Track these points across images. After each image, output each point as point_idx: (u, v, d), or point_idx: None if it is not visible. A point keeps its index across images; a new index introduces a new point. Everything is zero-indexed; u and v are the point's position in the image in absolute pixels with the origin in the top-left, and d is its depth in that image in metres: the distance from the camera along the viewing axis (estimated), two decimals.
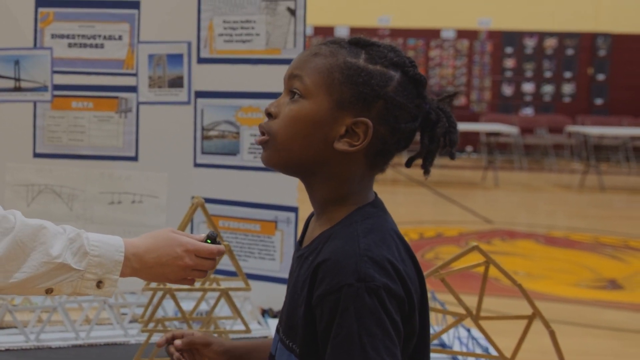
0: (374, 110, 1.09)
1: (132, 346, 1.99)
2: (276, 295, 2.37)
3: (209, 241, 1.33)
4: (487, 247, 6.45)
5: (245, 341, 1.47)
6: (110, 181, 2.33)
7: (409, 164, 1.19)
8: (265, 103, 2.26)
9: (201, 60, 2.32)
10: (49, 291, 1.23)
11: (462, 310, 1.61)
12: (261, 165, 2.28)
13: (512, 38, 13.48)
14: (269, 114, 1.15)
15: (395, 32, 13.27)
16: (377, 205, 1.14)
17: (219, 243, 1.34)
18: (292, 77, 1.14)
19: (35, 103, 2.31)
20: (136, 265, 1.28)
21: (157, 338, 1.89)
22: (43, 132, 2.32)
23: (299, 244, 1.20)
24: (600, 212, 8.83)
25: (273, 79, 2.27)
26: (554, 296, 5.22)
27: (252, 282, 1.91)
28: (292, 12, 2.25)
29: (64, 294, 1.26)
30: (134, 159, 2.34)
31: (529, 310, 1.60)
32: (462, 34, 13.45)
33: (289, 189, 2.30)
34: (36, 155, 2.33)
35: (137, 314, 2.13)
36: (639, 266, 6.25)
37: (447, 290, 1.59)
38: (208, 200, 2.31)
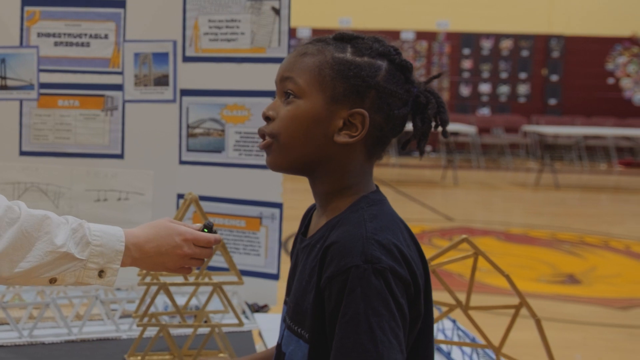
0: (367, 100, 1.13)
1: (124, 341, 2.02)
2: (261, 291, 2.42)
3: (205, 230, 1.36)
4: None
5: (250, 355, 1.49)
6: (96, 179, 2.35)
7: (404, 147, 1.22)
8: (251, 101, 2.34)
9: (186, 59, 2.35)
10: (52, 281, 1.25)
11: (450, 302, 1.67)
12: (246, 162, 2.37)
13: (470, 39, 13.70)
14: (267, 118, 1.18)
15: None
16: (380, 193, 1.19)
17: (215, 232, 1.37)
18: (284, 80, 1.17)
19: (21, 101, 2.32)
20: (136, 255, 1.30)
21: (151, 332, 1.93)
22: (29, 130, 2.32)
23: (302, 235, 1.24)
24: (556, 210, 9.04)
25: (258, 77, 2.32)
26: (495, 288, 5.34)
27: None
28: (277, 11, 2.30)
29: (67, 284, 1.27)
30: (120, 156, 2.36)
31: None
32: (421, 35, 13.64)
33: (274, 186, 2.35)
34: (22, 153, 2.34)
35: (127, 309, 2.15)
36: (595, 261, 6.41)
37: (438, 281, 1.65)
38: None
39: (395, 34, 13.61)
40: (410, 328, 1.10)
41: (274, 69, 2.28)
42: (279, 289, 2.41)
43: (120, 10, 2.31)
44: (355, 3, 13.05)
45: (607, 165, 13.10)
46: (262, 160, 2.35)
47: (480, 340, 1.74)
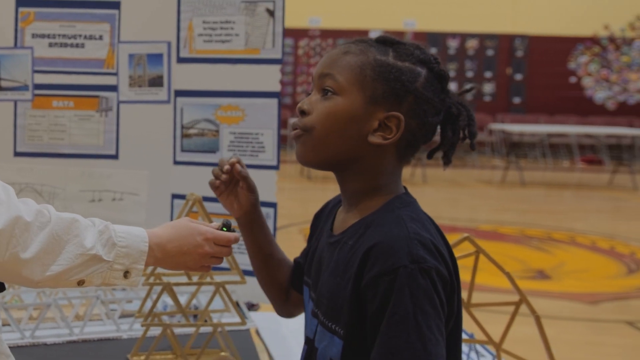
0: (405, 104, 1.15)
1: (124, 341, 2.03)
2: (255, 289, 2.44)
3: (224, 229, 1.37)
4: None
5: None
6: (90, 179, 2.35)
7: (430, 156, 1.25)
8: (245, 102, 2.37)
9: (181, 60, 2.37)
10: (80, 283, 1.25)
11: None
12: None
13: (436, 39, 13.86)
14: (302, 112, 1.19)
15: (325, 33, 13.49)
16: (410, 195, 1.21)
17: (233, 231, 1.38)
18: (324, 76, 1.18)
19: (15, 102, 2.31)
20: (159, 255, 1.31)
21: (155, 331, 1.95)
22: (24, 131, 2.32)
23: (330, 230, 1.25)
24: (523, 206, 9.20)
25: (252, 78, 2.35)
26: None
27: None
28: (271, 13, 2.32)
29: (94, 285, 1.29)
30: (115, 157, 2.37)
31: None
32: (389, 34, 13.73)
33: (268, 185, 2.37)
34: (17, 154, 2.33)
35: (126, 309, 2.16)
36: (563, 257, 6.55)
37: None
38: None
39: (363, 33, 13.42)
40: (445, 325, 1.11)
41: (268, 70, 2.35)
42: None
43: (115, 12, 2.32)
44: (325, 3, 13.12)
45: (569, 163, 13.35)
46: (257, 160, 2.37)
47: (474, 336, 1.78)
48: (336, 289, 1.15)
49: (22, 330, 1.95)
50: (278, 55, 2.33)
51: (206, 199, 2.40)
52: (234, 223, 1.43)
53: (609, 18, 13.79)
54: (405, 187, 1.24)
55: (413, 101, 1.15)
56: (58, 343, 1.97)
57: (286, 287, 1.42)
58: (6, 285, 1.39)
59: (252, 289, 2.41)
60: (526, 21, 13.75)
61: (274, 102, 2.34)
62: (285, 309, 1.45)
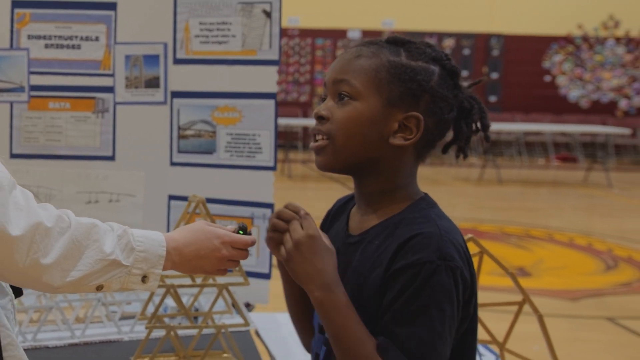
0: (422, 104, 1.16)
1: (126, 343, 2.03)
2: (252, 290, 2.45)
3: (240, 232, 1.36)
4: None
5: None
6: (87, 181, 2.34)
7: (445, 150, 1.25)
8: (242, 103, 2.38)
9: (177, 61, 2.37)
10: (99, 288, 1.24)
11: None
12: (237, 163, 2.39)
13: (414, 38, 13.90)
14: (320, 117, 1.19)
15: (304, 32, 13.51)
16: (430, 197, 1.22)
17: (250, 233, 1.38)
18: (338, 81, 1.18)
19: (11, 104, 2.30)
20: (176, 259, 1.30)
21: (159, 333, 1.95)
22: (20, 132, 2.30)
23: (346, 231, 1.24)
24: (500, 204, 9.28)
25: (249, 79, 2.36)
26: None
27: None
28: (268, 14, 2.33)
29: (113, 290, 1.28)
30: (111, 158, 2.36)
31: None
32: (367, 34, 13.81)
33: (265, 186, 2.38)
34: (13, 155, 2.32)
35: (126, 311, 2.16)
36: (542, 254, 6.62)
37: None
38: (185, 199, 2.37)
39: (342, 33, 13.75)
40: (458, 327, 1.12)
41: (265, 71, 2.36)
42: (271, 288, 2.45)
43: (111, 13, 2.31)
44: (303, 2, 13.11)
45: (545, 160, 13.50)
46: (254, 161, 2.38)
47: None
48: (359, 288, 1.15)
49: (24, 334, 1.94)
50: (275, 57, 2.34)
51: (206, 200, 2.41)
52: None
53: (582, 18, 13.96)
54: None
55: (429, 100, 1.16)
56: (60, 346, 1.96)
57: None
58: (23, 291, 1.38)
59: (251, 289, 2.42)
60: (502, 21, 13.88)
61: (270, 103, 2.35)
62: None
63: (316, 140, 1.20)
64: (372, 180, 1.20)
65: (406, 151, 1.18)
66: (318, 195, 9.52)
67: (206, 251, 1.32)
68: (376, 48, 1.18)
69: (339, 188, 9.91)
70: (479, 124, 1.22)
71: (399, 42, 1.19)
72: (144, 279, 1.27)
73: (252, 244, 1.36)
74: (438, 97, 1.16)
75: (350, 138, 1.16)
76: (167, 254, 1.28)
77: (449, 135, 1.24)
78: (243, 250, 1.35)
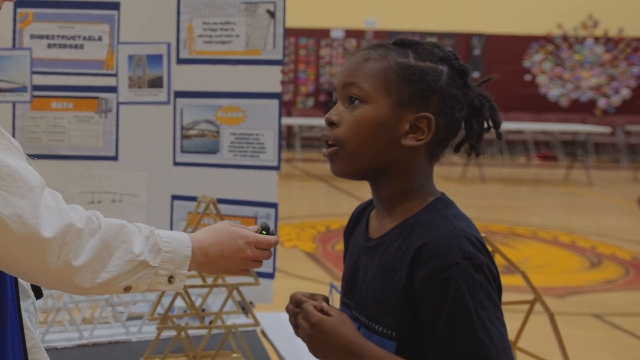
0: (432, 104, 1.16)
1: (134, 344, 2.02)
2: (256, 289, 2.45)
3: (263, 232, 1.37)
4: None
5: None
6: (90, 181, 2.33)
7: (457, 149, 1.26)
8: (246, 102, 2.38)
9: (180, 61, 2.36)
10: (127, 289, 1.24)
11: None
12: (241, 162, 2.39)
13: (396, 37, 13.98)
14: (331, 123, 1.19)
15: (288, 32, 13.29)
16: (447, 196, 1.22)
17: (272, 234, 1.38)
18: (348, 85, 1.18)
19: (14, 104, 2.28)
20: (201, 260, 1.30)
21: (167, 334, 1.94)
22: (22, 132, 2.29)
23: (366, 235, 1.25)
24: (484, 202, 9.33)
25: (253, 79, 2.36)
26: None
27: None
28: (272, 14, 2.33)
29: (140, 291, 1.28)
30: (114, 158, 2.35)
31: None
32: (350, 33, 13.87)
33: (269, 186, 2.39)
34: None
35: (132, 312, 2.15)
36: (527, 252, 6.67)
37: None
38: (187, 198, 2.38)
39: (324, 32, 13.78)
40: None
41: (269, 71, 2.36)
42: (275, 287, 2.46)
43: (114, 12, 2.30)
44: (287, 2, 13.12)
45: (526, 159, 13.61)
46: (257, 161, 2.38)
47: None
48: (383, 292, 1.16)
49: None
50: (279, 56, 2.34)
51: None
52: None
53: (562, 17, 14.10)
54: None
55: (439, 100, 1.16)
56: (68, 347, 1.95)
57: None
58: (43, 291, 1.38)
59: (256, 288, 2.42)
60: (483, 20, 13.97)
61: (274, 102, 2.35)
62: None
63: (329, 147, 1.20)
64: (387, 183, 1.20)
65: (419, 152, 1.18)
66: (302, 194, 9.53)
67: (230, 251, 1.32)
68: (384, 50, 1.19)
69: (324, 187, 9.93)
70: (490, 122, 1.23)
71: (407, 43, 1.20)
72: (171, 279, 1.27)
73: (275, 244, 1.37)
74: (448, 96, 1.17)
75: (362, 142, 1.17)
76: (193, 255, 1.28)
77: (460, 134, 1.25)
78: (266, 250, 1.36)
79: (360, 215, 1.32)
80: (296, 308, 1.19)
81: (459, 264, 1.07)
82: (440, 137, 1.18)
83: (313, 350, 1.16)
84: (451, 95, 1.17)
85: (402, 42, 1.20)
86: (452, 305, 1.07)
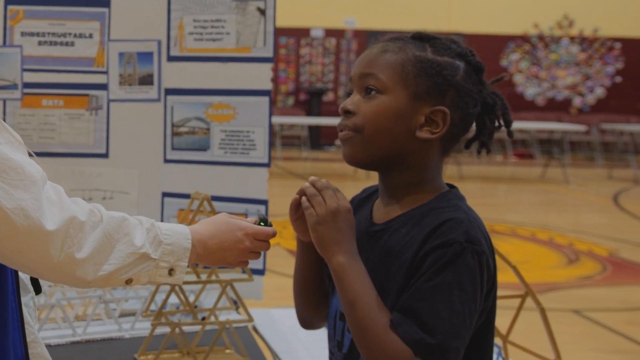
0: (448, 98, 1.18)
1: (127, 340, 2.03)
2: (247, 286, 2.46)
3: (262, 224, 1.37)
4: None
5: None
6: (81, 178, 2.33)
7: (468, 146, 1.28)
8: (236, 100, 2.39)
9: (171, 58, 2.37)
10: (128, 281, 1.24)
11: None
12: (231, 160, 2.40)
13: (376, 37, 13.95)
14: (347, 112, 1.20)
15: None
16: (459, 191, 1.24)
17: (270, 225, 1.37)
18: (365, 76, 1.20)
19: (4, 101, 2.27)
20: (200, 251, 1.30)
21: (163, 330, 1.95)
22: (13, 130, 2.27)
23: (370, 219, 1.25)
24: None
25: (244, 76, 2.37)
26: None
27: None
28: (262, 11, 2.35)
29: (141, 284, 1.27)
30: (105, 155, 2.36)
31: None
32: (329, 32, 13.91)
33: (259, 183, 2.40)
34: None
35: (125, 309, 2.16)
36: (507, 249, 6.73)
37: None
38: (178, 196, 2.39)
39: (304, 32, 13.80)
40: (476, 319, 1.13)
41: (259, 69, 2.38)
42: (265, 284, 2.47)
43: (105, 10, 2.30)
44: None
45: (502, 157, 13.72)
46: (248, 158, 2.40)
47: None
48: (387, 273, 1.17)
49: None
50: (269, 54, 2.35)
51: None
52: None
53: (538, 17, 14.24)
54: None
55: (455, 94, 1.18)
56: (62, 344, 1.95)
57: (321, 306, 1.37)
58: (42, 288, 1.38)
59: (246, 285, 2.43)
60: (460, 20, 14.06)
61: (265, 100, 2.36)
62: (311, 323, 1.41)
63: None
64: (398, 174, 1.21)
65: (432, 145, 1.20)
66: (283, 192, 9.54)
67: (229, 243, 1.32)
68: (402, 43, 1.20)
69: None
70: (501, 120, 1.25)
71: (424, 37, 1.21)
72: (171, 271, 1.27)
73: (274, 235, 1.37)
74: (463, 91, 1.19)
75: (378, 131, 1.18)
76: (192, 247, 1.28)
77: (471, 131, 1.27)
78: (265, 241, 1.36)
79: (364, 201, 1.33)
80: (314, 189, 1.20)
81: (460, 243, 1.10)
82: (454, 132, 1.20)
83: (322, 232, 1.17)
84: (467, 90, 1.19)
85: (420, 36, 1.22)
86: (433, 273, 1.09)
